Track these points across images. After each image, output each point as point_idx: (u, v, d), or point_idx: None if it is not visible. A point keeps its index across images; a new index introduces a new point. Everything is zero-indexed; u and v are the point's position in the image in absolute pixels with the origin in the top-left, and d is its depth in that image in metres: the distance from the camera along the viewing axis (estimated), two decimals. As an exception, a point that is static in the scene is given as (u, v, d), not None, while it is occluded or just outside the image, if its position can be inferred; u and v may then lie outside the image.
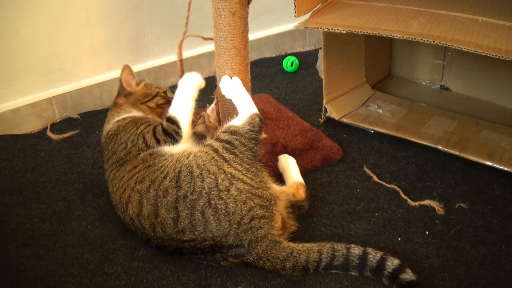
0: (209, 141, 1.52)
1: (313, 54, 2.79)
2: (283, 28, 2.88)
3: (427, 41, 1.68)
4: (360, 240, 1.56)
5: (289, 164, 1.76)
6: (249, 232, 1.39)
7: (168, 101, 1.74)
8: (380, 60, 2.50)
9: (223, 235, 1.39)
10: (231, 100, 1.63)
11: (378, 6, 1.96)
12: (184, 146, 1.57)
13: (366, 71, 2.31)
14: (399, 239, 1.57)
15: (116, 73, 2.36)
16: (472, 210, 1.68)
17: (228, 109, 1.69)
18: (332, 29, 1.82)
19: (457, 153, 1.89)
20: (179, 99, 1.61)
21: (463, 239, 1.56)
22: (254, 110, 1.56)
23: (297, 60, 2.70)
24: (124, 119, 1.67)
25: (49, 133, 2.14)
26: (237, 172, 1.44)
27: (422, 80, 2.49)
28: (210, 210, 1.39)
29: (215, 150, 1.47)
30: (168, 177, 1.45)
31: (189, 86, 1.62)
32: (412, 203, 1.70)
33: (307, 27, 1.85)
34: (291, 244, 1.44)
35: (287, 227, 1.51)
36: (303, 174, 1.75)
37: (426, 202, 1.70)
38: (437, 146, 1.93)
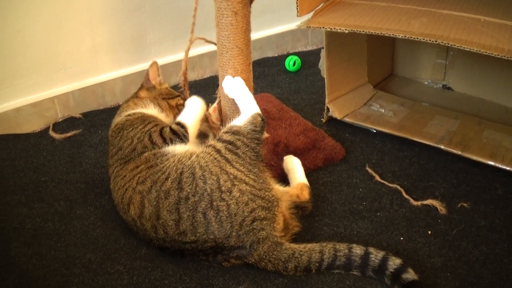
0: (211, 141, 1.52)
1: (315, 53, 2.79)
2: (285, 28, 2.88)
3: (430, 40, 1.68)
4: (362, 240, 1.56)
5: (294, 165, 1.76)
6: (251, 233, 1.39)
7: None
8: (382, 60, 2.49)
9: (225, 237, 1.38)
10: (233, 99, 1.63)
11: (380, 6, 1.96)
12: (187, 146, 1.58)
13: (368, 70, 2.31)
14: (401, 238, 1.57)
15: (118, 73, 2.38)
16: (475, 210, 1.67)
17: (230, 109, 1.69)
18: (334, 28, 1.81)
19: (459, 152, 1.89)
20: (189, 111, 1.67)
21: (466, 238, 1.56)
22: (256, 109, 1.56)
23: (299, 60, 2.70)
24: (134, 113, 1.68)
25: (51, 133, 2.14)
26: (239, 173, 1.44)
27: (425, 80, 2.49)
28: (212, 211, 1.39)
29: (218, 151, 1.47)
30: (169, 179, 1.44)
31: (197, 106, 1.69)
32: (415, 203, 1.70)
33: (309, 27, 1.85)
34: (293, 245, 1.43)
35: (290, 228, 1.51)
36: (306, 173, 1.75)
37: (429, 201, 1.70)
38: (439, 146, 1.93)
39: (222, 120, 1.76)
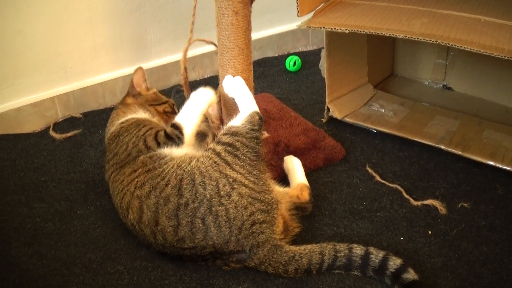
0: (210, 144, 1.52)
1: (316, 53, 2.79)
2: (286, 28, 2.88)
3: (430, 40, 1.68)
4: (363, 240, 1.56)
5: (294, 166, 1.75)
6: (250, 237, 1.38)
7: (174, 113, 1.78)
8: (382, 60, 2.49)
9: (224, 242, 1.38)
10: (233, 99, 1.63)
11: (380, 6, 1.96)
12: (185, 150, 1.57)
13: (369, 70, 2.31)
14: (402, 238, 1.57)
15: (119, 72, 2.38)
16: (475, 210, 1.67)
17: (231, 108, 1.69)
18: (335, 28, 1.81)
19: (459, 152, 1.89)
20: (187, 110, 1.62)
21: (466, 238, 1.56)
22: (254, 108, 1.55)
23: (299, 60, 2.70)
24: (127, 120, 1.67)
25: (51, 133, 2.14)
26: (239, 175, 1.44)
27: (425, 80, 2.49)
28: (210, 217, 1.38)
29: (218, 154, 1.46)
30: (169, 185, 1.43)
31: (201, 100, 1.63)
32: (415, 203, 1.70)
33: (310, 27, 1.85)
34: (293, 248, 1.43)
35: (289, 229, 1.50)
36: (306, 173, 1.75)
37: (429, 201, 1.70)
38: (439, 146, 1.93)
39: (222, 119, 1.76)
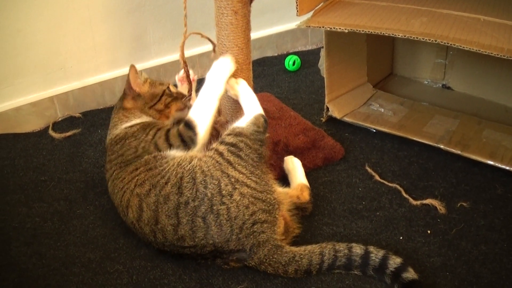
0: (214, 144, 1.51)
1: (315, 53, 2.79)
2: (285, 27, 2.88)
3: (429, 40, 1.68)
4: (362, 239, 1.56)
5: (294, 166, 1.76)
6: (251, 236, 1.38)
7: (174, 98, 1.72)
8: (382, 59, 2.49)
9: (225, 241, 1.38)
10: (233, 99, 1.63)
11: (380, 5, 1.96)
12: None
13: (368, 70, 2.31)
14: (401, 238, 1.57)
15: (118, 72, 2.37)
16: (474, 209, 1.67)
17: (230, 108, 1.69)
18: (334, 28, 1.81)
19: (459, 152, 1.89)
20: (204, 98, 1.56)
21: (465, 238, 1.56)
22: (259, 111, 1.56)
23: (299, 59, 2.70)
24: (132, 126, 1.63)
25: (51, 132, 2.14)
26: (241, 175, 1.43)
27: (424, 79, 2.49)
28: (211, 215, 1.38)
29: (220, 154, 1.46)
30: (169, 183, 1.43)
31: (221, 76, 1.57)
32: (414, 202, 1.70)
33: (309, 26, 1.85)
34: (293, 248, 1.43)
35: (290, 230, 1.50)
36: (305, 173, 1.75)
37: (428, 201, 1.70)
38: (439, 145, 1.93)
39: (222, 117, 1.75)
